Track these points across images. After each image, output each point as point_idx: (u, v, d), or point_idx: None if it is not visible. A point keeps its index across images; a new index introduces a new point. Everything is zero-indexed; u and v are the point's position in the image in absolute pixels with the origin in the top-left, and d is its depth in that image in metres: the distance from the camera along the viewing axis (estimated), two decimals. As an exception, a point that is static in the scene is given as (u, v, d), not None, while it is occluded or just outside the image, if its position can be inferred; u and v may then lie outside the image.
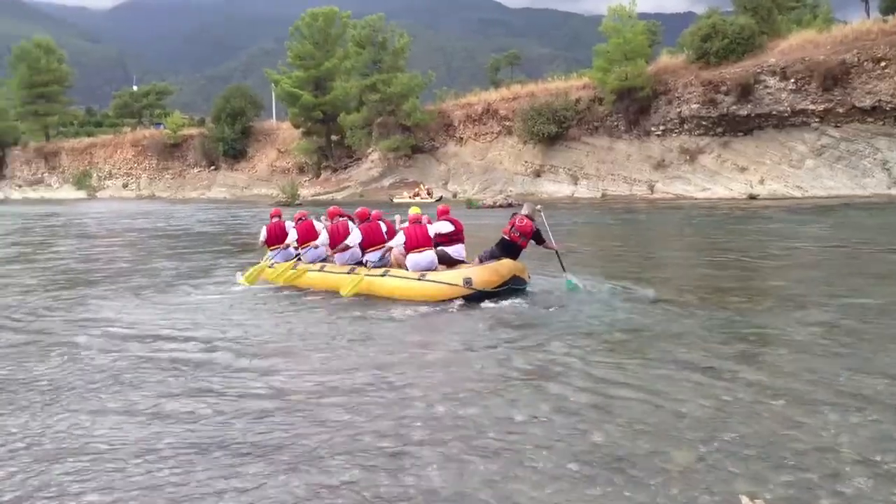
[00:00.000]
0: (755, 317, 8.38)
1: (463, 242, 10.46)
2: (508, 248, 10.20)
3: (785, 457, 4.36)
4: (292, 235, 12.04)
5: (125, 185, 67.82)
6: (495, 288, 9.56)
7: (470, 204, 34.01)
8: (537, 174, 42.66)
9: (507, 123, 45.40)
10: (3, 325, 8.97)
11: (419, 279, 9.74)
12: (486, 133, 47.27)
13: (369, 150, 52.49)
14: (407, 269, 10.08)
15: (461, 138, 48.66)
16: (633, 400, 5.48)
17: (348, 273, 10.54)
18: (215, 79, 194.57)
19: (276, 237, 12.32)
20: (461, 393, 5.78)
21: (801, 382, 5.78)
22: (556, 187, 41.36)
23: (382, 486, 4.15)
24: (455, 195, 43.06)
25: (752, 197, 32.97)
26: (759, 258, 14.24)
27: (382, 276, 10.18)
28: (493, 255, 10.17)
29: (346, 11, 54.91)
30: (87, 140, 74.32)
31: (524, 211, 10.49)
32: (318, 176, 54.75)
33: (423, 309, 9.22)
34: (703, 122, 36.84)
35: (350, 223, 11.18)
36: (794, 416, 5.04)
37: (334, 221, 11.46)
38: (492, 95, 49.56)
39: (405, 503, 3.98)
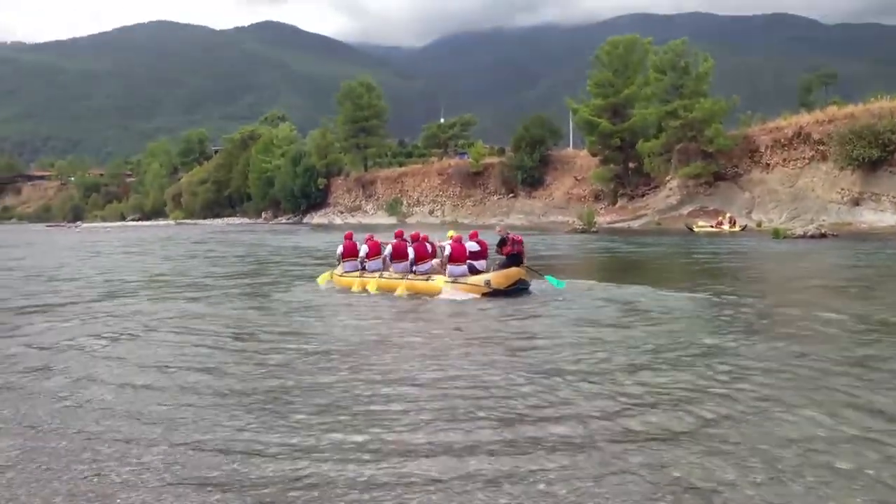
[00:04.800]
0: None
1: (486, 258, 14.38)
2: (514, 259, 14.15)
3: None
4: (364, 250, 15.78)
5: (431, 212, 72.28)
6: (506, 288, 13.44)
7: (777, 234, 31.84)
8: (855, 202, 39.07)
9: (821, 148, 42.19)
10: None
11: (453, 281, 13.81)
12: (797, 158, 44.27)
13: (668, 178, 51.37)
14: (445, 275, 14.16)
15: (767, 164, 46.03)
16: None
17: (402, 279, 14.63)
18: (515, 108, 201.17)
19: (350, 252, 16.20)
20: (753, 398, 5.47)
21: None
22: (877, 216, 37.55)
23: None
24: (759, 224, 40.65)
25: None
26: None
27: (429, 280, 14.30)
28: (504, 265, 14.11)
29: (648, 38, 54.49)
30: (398, 170, 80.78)
31: (509, 230, 14.89)
32: (614, 203, 54.56)
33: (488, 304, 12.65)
34: None
35: (406, 243, 15.20)
36: None
37: (396, 241, 15.46)
38: (804, 118, 46.31)
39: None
